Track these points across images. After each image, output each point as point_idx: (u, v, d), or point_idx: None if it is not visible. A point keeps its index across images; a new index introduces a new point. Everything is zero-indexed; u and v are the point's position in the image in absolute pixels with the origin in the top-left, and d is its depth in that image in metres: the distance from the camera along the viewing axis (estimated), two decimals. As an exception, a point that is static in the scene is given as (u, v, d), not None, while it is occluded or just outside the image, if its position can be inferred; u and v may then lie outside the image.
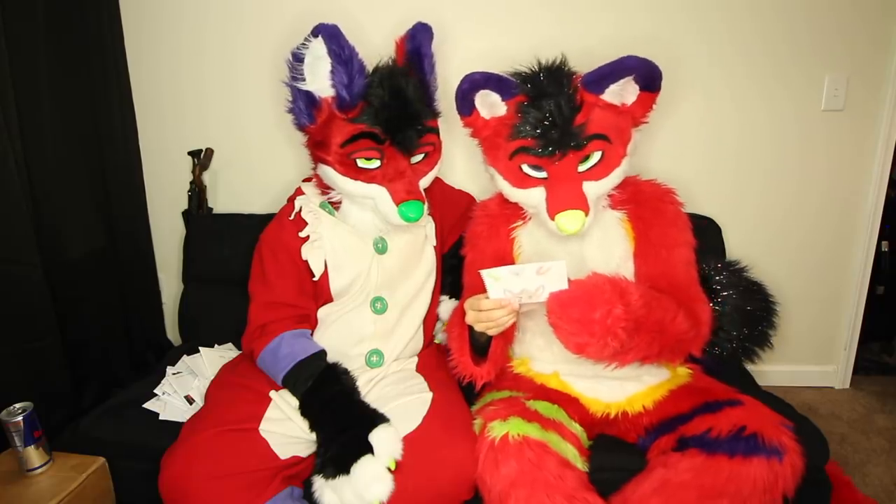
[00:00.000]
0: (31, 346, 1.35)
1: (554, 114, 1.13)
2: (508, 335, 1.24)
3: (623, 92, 1.17)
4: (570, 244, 1.23)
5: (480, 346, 1.19)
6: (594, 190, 1.17)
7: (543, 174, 1.18)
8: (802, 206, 1.81)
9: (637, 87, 1.16)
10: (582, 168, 1.16)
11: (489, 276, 1.05)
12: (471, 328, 1.16)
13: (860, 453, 1.67)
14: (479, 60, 1.60)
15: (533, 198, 1.20)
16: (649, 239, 1.22)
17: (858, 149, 1.76)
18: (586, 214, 1.14)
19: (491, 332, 1.12)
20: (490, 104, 1.20)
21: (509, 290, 1.06)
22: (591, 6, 1.65)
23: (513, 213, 1.30)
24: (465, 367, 1.20)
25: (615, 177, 1.20)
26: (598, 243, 1.23)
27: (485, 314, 1.09)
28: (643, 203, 1.25)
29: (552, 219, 1.15)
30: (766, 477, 0.96)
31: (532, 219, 1.28)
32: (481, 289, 1.11)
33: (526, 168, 1.18)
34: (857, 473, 1.57)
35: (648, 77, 1.14)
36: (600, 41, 1.65)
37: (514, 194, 1.23)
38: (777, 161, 1.77)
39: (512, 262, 1.27)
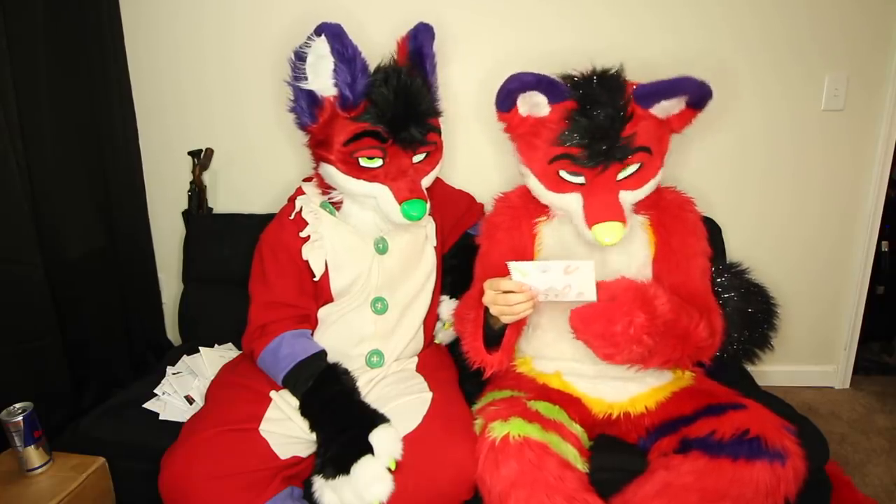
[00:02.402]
0: (31, 346, 1.34)
1: (605, 126, 1.11)
2: (520, 327, 1.23)
3: (671, 108, 1.17)
4: (593, 245, 1.21)
5: (494, 334, 1.17)
6: (630, 199, 1.18)
7: (581, 180, 1.17)
8: (802, 206, 1.81)
9: (684, 104, 1.17)
10: (620, 177, 1.16)
11: (516, 269, 1.04)
12: (486, 316, 1.15)
13: (860, 453, 1.67)
14: (480, 60, 1.62)
15: (568, 203, 1.19)
16: (670, 246, 1.22)
17: (858, 149, 1.76)
18: (624, 226, 1.14)
19: (505, 320, 1.11)
20: (533, 104, 1.17)
21: (535, 288, 1.05)
22: (594, 3, 1.65)
23: (537, 207, 1.28)
24: (477, 353, 1.18)
25: (650, 186, 1.20)
26: (621, 247, 1.21)
27: (502, 297, 1.06)
28: (665, 210, 1.26)
29: (590, 228, 1.15)
30: (769, 480, 0.96)
31: (557, 216, 1.27)
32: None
33: (564, 174, 1.17)
34: (857, 473, 1.57)
35: (699, 97, 1.15)
36: (605, 39, 1.65)
37: (548, 197, 1.22)
38: (776, 161, 1.77)
39: (531, 258, 1.26)
